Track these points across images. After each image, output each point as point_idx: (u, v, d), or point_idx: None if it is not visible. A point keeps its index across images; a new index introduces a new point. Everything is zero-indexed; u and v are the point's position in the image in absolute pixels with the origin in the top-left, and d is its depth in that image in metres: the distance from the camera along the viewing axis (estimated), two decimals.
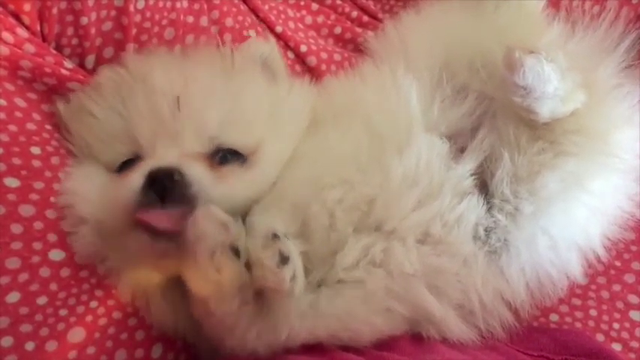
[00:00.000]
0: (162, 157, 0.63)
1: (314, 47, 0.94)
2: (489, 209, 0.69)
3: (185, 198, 0.61)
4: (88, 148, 0.68)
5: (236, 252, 0.59)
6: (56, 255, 0.63)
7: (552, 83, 0.63)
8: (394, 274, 0.65)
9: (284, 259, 0.58)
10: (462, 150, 0.71)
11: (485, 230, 0.68)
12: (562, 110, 0.66)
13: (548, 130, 0.67)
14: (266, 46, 0.78)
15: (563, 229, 0.68)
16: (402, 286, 0.65)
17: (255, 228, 0.61)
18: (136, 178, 0.61)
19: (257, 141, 0.68)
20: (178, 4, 0.82)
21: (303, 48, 0.92)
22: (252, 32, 0.90)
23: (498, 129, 0.70)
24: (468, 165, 0.69)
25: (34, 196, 0.63)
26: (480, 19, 0.78)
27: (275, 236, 0.60)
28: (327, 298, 0.63)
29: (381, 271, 0.65)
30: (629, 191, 0.71)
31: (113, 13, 0.77)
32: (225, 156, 0.67)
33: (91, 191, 0.65)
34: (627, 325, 0.76)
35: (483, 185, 0.70)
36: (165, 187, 0.60)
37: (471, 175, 0.69)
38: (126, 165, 0.66)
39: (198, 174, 0.62)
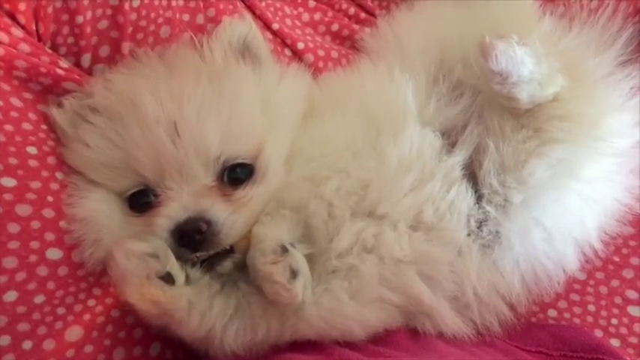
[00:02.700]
0: (178, 199, 0.63)
1: (311, 45, 0.93)
2: (479, 201, 0.69)
3: (214, 244, 0.62)
4: (88, 175, 0.67)
5: (168, 278, 0.59)
6: (53, 254, 0.63)
7: (527, 66, 0.63)
8: (385, 259, 0.65)
9: (294, 273, 0.59)
10: (453, 145, 0.72)
11: (477, 222, 0.68)
12: (542, 94, 0.65)
13: (532, 118, 0.67)
14: (244, 26, 0.74)
15: (557, 219, 0.67)
16: (393, 272, 0.65)
17: (263, 241, 0.62)
18: (162, 225, 0.61)
19: (258, 142, 0.67)
20: (174, 2, 0.81)
21: (301, 45, 0.92)
22: None
23: (484, 120, 0.71)
24: (458, 157, 0.69)
25: (30, 196, 0.63)
26: (472, 13, 0.77)
27: (283, 249, 0.60)
28: (311, 301, 0.63)
29: (372, 257, 0.65)
30: (625, 182, 0.70)
31: (109, 11, 0.76)
32: (233, 170, 0.66)
33: (113, 225, 0.65)
34: (626, 320, 0.76)
35: (474, 178, 0.70)
36: (196, 241, 0.61)
37: (462, 167, 0.69)
38: (138, 198, 0.65)
39: (221, 215, 0.62)
